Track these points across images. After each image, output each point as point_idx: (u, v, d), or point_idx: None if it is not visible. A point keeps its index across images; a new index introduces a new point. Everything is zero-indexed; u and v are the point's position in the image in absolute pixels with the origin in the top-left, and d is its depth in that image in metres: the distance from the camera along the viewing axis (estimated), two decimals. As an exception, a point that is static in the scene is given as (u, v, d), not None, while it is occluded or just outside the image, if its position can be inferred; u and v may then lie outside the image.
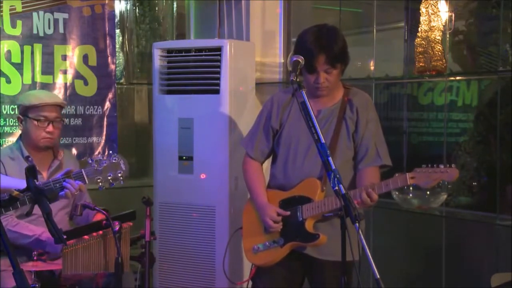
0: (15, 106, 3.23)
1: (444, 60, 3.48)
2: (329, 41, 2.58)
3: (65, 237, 2.23)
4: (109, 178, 2.66)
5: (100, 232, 2.69)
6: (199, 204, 3.68)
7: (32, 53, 3.75)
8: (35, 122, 2.96)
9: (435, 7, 3.48)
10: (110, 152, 2.72)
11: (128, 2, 4.50)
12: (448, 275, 3.58)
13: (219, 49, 3.68)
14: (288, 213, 2.65)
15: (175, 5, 4.67)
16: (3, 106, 3.62)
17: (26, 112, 2.98)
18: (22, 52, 3.70)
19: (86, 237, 2.66)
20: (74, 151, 3.84)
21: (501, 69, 3.55)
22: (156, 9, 4.66)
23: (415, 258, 3.83)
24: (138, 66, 4.54)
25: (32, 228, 2.89)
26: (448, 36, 3.60)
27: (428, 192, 3.47)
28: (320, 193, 2.61)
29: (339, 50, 2.59)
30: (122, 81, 4.44)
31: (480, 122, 3.74)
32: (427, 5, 3.49)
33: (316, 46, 2.56)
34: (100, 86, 4.03)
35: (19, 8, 3.70)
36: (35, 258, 2.64)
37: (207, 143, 3.71)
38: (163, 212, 3.77)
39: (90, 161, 2.67)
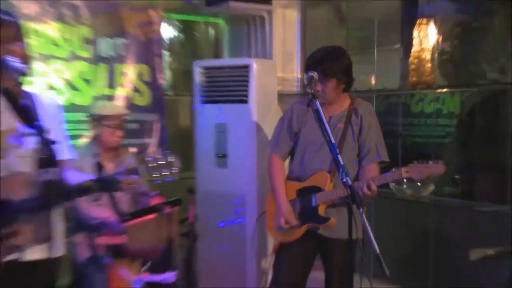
0: (87, 114, 3.34)
1: (432, 76, 3.48)
2: (323, 58, 2.56)
3: (128, 217, 2.31)
4: (164, 174, 2.60)
5: (156, 213, 2.74)
6: (232, 193, 3.71)
7: (99, 71, 3.82)
8: (110, 129, 3.06)
9: (425, 31, 3.50)
10: (166, 151, 2.73)
11: (174, 29, 4.56)
12: (436, 253, 3.56)
13: (247, 67, 3.68)
14: (296, 223, 2.63)
15: (211, 31, 4.75)
16: (75, 114, 3.69)
17: (101, 120, 3.07)
18: (91, 70, 3.78)
19: (145, 217, 2.72)
20: (132, 150, 3.93)
21: (479, 83, 3.56)
22: (196, 34, 4.74)
23: (408, 240, 3.80)
24: (182, 80, 4.58)
25: (99, 211, 2.96)
26: (436, 55, 3.61)
27: (419, 184, 3.44)
28: (329, 184, 2.61)
29: (332, 67, 2.54)
30: (170, 93, 4.48)
31: (461, 127, 3.74)
32: (419, 30, 3.51)
33: (312, 60, 2.58)
34: (152, 97, 4.08)
35: (88, 36, 3.79)
36: (104, 234, 2.69)
37: (238, 143, 3.72)
38: (203, 199, 3.78)
39: (149, 159, 2.58)
